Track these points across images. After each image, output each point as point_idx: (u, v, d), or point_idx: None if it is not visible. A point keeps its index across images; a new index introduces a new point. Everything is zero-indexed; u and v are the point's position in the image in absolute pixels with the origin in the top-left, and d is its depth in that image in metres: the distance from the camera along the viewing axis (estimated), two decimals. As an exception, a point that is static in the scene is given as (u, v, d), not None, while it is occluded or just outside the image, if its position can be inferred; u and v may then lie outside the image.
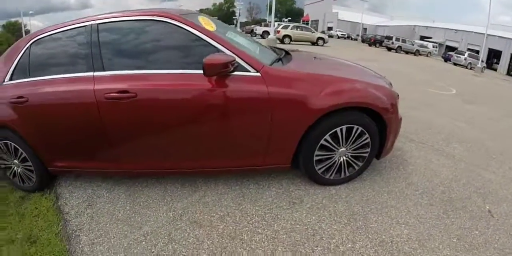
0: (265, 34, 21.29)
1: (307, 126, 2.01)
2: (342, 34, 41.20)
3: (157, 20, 2.02)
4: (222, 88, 1.93)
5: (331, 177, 2.30)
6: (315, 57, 2.92)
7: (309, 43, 20.22)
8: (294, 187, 2.35)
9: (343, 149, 2.19)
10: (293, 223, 1.96)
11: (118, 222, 2.00)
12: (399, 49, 24.47)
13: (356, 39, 38.27)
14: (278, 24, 23.04)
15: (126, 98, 1.91)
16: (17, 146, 2.23)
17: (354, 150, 2.23)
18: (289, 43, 18.99)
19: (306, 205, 2.14)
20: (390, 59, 16.16)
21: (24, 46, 2.18)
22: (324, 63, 2.83)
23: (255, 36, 22.23)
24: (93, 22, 2.07)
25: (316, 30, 28.70)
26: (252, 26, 34.44)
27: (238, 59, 1.94)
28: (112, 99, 1.93)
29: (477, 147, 3.40)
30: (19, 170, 2.37)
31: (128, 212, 2.10)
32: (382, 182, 2.43)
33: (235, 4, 69.78)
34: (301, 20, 58.13)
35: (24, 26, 47.51)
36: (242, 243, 1.80)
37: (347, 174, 2.32)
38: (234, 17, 65.88)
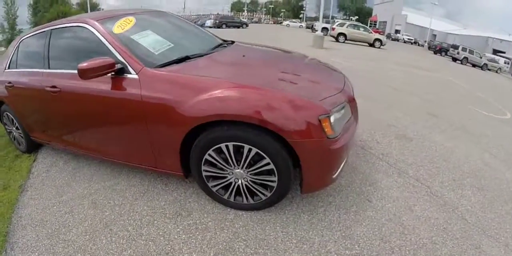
0: (324, 30, 19.92)
1: (182, 135, 1.76)
2: (408, 39, 37.17)
3: (80, 26, 2.22)
4: (103, 89, 1.97)
5: (231, 199, 1.93)
6: (244, 55, 2.48)
7: (366, 44, 18.49)
8: (195, 198, 2.10)
9: (238, 170, 1.77)
10: (160, 233, 1.82)
11: (53, 188, 2.40)
12: (464, 61, 20.92)
13: (422, 45, 34.55)
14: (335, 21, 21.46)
15: (56, 92, 2.24)
16: (12, 117, 2.91)
17: (254, 174, 1.75)
18: (344, 42, 17.52)
19: (188, 221, 1.90)
20: (452, 71, 13.67)
21: (16, 44, 2.78)
22: (247, 64, 2.32)
23: (315, 31, 21.10)
24: (51, 27, 2.45)
25: (384, 32, 26.38)
26: (313, 22, 33.16)
27: (124, 61, 1.94)
28: (50, 91, 2.27)
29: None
30: (16, 135, 3.09)
31: (64, 182, 2.46)
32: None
33: (303, -3, 67.91)
34: (369, 20, 54.45)
35: (98, 5, 51.12)
36: (109, 232, 1.86)
37: (251, 201, 1.88)
38: (302, 11, 64.16)
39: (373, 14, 56.43)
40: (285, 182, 1.72)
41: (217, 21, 27.29)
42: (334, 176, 1.78)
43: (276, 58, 2.69)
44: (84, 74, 1.81)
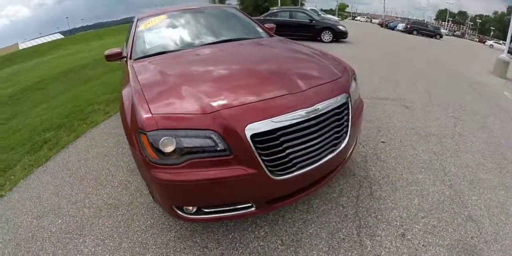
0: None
1: None
2: None
3: (133, 21, 3.01)
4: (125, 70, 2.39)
5: None
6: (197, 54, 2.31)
7: None
8: None
9: None
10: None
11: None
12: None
13: None
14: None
15: None
16: None
17: None
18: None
19: None
20: None
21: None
22: (205, 63, 2.10)
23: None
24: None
25: None
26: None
27: (126, 53, 2.57)
28: None
29: None
30: None
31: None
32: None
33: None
34: None
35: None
36: None
37: None
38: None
39: None
40: None
41: (408, 26, 25.76)
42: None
43: (252, 62, 2.10)
44: (106, 58, 2.62)
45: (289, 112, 1.45)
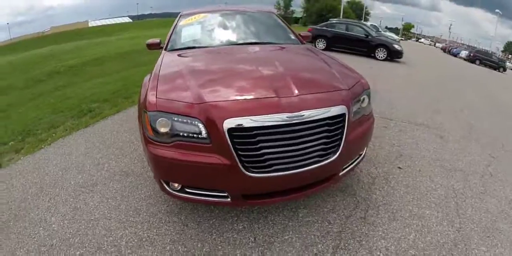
0: None
1: None
2: None
3: (178, 17, 3.22)
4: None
5: None
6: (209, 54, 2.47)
7: None
8: None
9: None
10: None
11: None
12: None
13: None
14: None
15: None
16: None
17: None
18: None
19: None
20: None
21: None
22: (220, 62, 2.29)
23: None
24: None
25: None
26: None
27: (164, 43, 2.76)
28: None
29: None
30: None
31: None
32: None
33: None
34: None
35: (366, 8, 49.93)
36: None
37: None
38: None
39: None
40: None
41: (471, 54, 23.63)
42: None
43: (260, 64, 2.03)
44: (147, 46, 2.88)
45: (270, 114, 1.48)
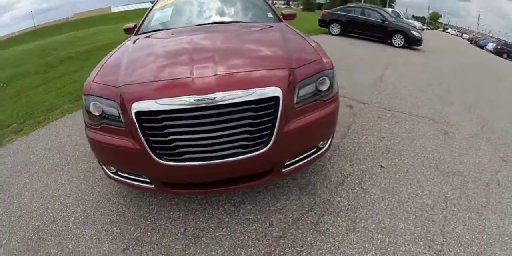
0: None
1: None
2: None
3: None
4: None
5: None
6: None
7: None
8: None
9: None
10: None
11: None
12: None
13: None
14: None
15: None
16: None
17: None
18: None
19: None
20: None
21: None
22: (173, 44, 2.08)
23: None
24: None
25: None
26: None
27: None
28: None
29: None
30: None
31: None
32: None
33: None
34: None
35: None
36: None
37: None
38: None
39: None
40: None
41: (499, 47, 21.68)
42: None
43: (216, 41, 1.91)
44: (124, 31, 2.79)
45: (178, 96, 1.31)
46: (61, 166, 2.50)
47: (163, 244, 1.62)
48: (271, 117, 1.35)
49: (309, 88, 1.52)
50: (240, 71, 1.45)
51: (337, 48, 7.85)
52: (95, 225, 1.81)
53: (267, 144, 1.37)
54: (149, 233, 1.71)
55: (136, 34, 2.60)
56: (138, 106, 1.33)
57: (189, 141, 1.33)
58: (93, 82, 1.57)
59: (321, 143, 1.71)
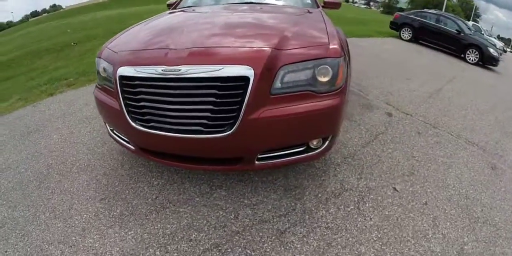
0: None
1: None
2: None
3: None
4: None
5: None
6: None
7: None
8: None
9: None
10: None
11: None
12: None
13: None
14: None
15: None
16: None
17: None
18: None
19: None
20: None
21: None
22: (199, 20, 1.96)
23: None
24: None
25: None
26: None
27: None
28: None
29: None
30: None
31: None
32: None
33: None
34: None
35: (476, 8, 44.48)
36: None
37: None
38: None
39: None
40: None
41: None
42: None
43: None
44: (167, 6, 2.91)
45: (152, 65, 1.33)
46: (89, 119, 2.79)
47: (133, 204, 1.71)
48: (238, 99, 1.26)
49: (301, 75, 1.36)
50: (216, 46, 1.39)
51: (401, 53, 7.21)
52: (91, 173, 2.00)
53: (231, 128, 1.28)
54: (127, 191, 1.81)
55: (172, 9, 2.75)
56: (121, 70, 1.42)
57: (156, 110, 1.35)
58: (106, 48, 1.70)
59: (314, 143, 1.52)
